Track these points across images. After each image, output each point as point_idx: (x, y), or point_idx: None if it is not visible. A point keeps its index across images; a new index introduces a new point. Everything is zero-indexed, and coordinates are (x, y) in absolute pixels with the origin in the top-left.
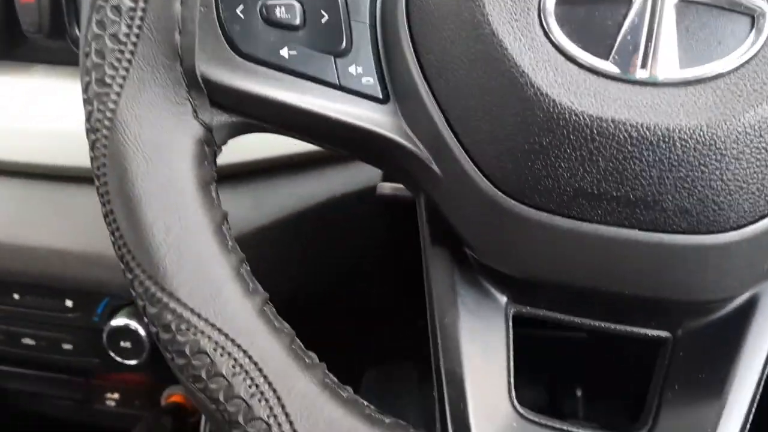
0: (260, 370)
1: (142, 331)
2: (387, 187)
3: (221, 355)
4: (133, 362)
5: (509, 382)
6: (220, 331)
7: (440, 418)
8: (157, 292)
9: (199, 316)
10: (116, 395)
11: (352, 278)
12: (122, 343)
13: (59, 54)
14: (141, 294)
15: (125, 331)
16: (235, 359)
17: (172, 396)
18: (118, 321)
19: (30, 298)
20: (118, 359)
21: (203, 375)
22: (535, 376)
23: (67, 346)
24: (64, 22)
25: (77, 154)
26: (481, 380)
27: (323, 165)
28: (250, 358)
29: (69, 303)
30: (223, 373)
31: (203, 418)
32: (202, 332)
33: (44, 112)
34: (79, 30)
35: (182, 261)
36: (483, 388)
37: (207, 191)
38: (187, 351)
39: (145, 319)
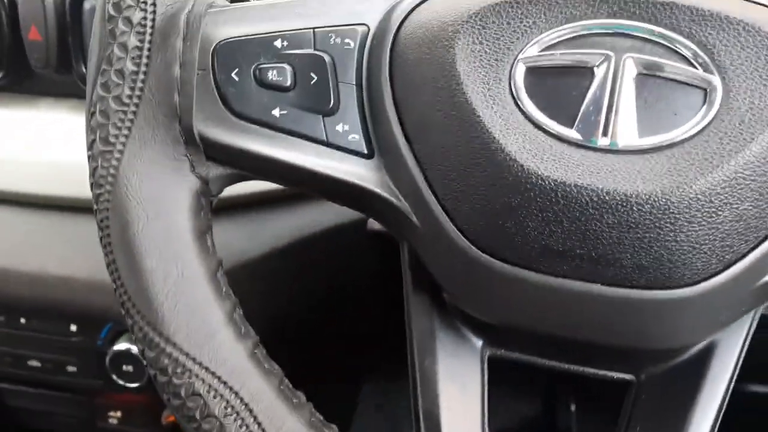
0: (250, 410)
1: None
2: (376, 224)
3: (214, 397)
4: (134, 385)
5: (483, 422)
6: (213, 374)
7: None
8: (154, 338)
9: (194, 360)
10: (118, 413)
11: (344, 303)
12: (124, 367)
13: (65, 87)
14: (140, 339)
15: (127, 356)
16: (227, 401)
17: (172, 415)
18: (121, 345)
19: (36, 322)
20: (120, 382)
21: (197, 416)
22: (531, 392)
23: (71, 368)
24: (71, 57)
25: (82, 185)
26: (456, 420)
27: (316, 198)
28: (241, 399)
29: (73, 327)
30: (216, 414)
31: None
32: (197, 375)
33: (50, 144)
34: (85, 66)
35: (179, 308)
36: (458, 427)
37: (203, 240)
38: (182, 393)
39: (144, 362)
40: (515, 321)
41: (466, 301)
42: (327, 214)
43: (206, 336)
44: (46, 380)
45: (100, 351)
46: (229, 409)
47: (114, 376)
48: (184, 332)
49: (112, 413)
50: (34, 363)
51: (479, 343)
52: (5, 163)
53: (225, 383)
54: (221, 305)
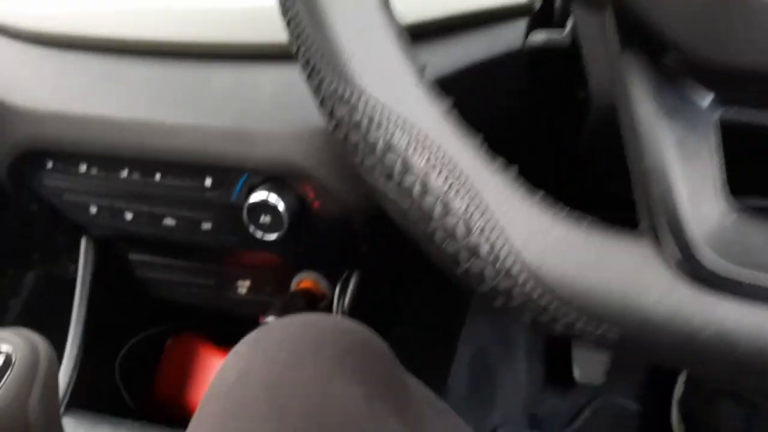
0: (454, 165)
1: (281, 206)
2: (538, 38)
3: (414, 150)
4: (272, 236)
5: (719, 178)
6: (412, 127)
7: (647, 216)
8: (347, 91)
9: (390, 112)
10: (247, 282)
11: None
12: (262, 218)
13: None
14: (328, 96)
15: (265, 206)
16: (428, 155)
17: (303, 282)
18: (258, 196)
19: (171, 179)
20: (258, 234)
21: (395, 172)
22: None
23: (206, 226)
24: None
25: (216, 31)
26: (688, 176)
27: (468, 28)
28: (443, 154)
29: (208, 182)
30: (417, 168)
31: (334, 302)
32: (394, 129)
33: None
34: None
35: (371, 59)
36: (691, 184)
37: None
38: (378, 148)
39: (332, 123)
40: (758, 62)
41: (699, 46)
42: (480, 45)
43: (402, 90)
44: (181, 240)
45: (236, 205)
46: (431, 164)
47: (252, 228)
48: (378, 84)
49: (240, 282)
50: (169, 222)
51: (707, 100)
52: (134, 12)
53: (425, 137)
54: (412, 62)
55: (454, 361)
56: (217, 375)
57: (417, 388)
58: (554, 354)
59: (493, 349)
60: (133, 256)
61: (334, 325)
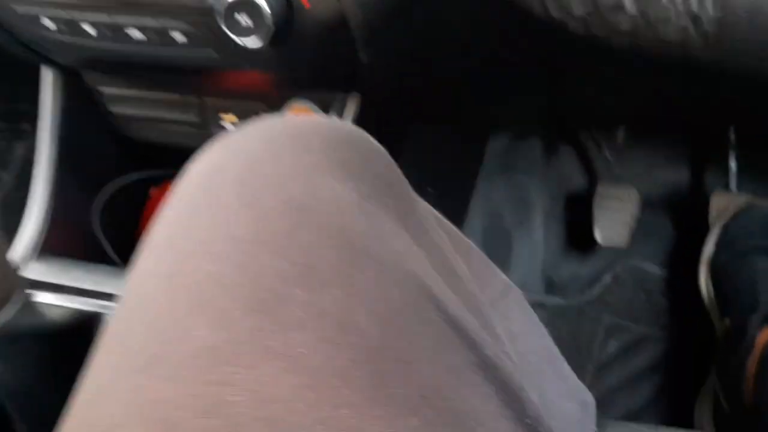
0: None
1: (265, 6)
2: None
3: None
4: (255, 42)
5: None
6: None
7: None
8: None
9: None
10: (231, 116)
11: None
12: (243, 21)
13: None
14: None
15: (244, 4)
16: None
17: (294, 111)
18: None
19: None
20: (239, 41)
21: None
22: (678, 158)
23: (179, 38)
24: None
25: None
26: None
27: None
28: None
29: None
30: None
31: None
32: None
33: None
34: None
35: None
36: None
37: None
38: None
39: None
40: None
41: None
42: None
43: None
44: (152, 59)
45: (212, 11)
46: None
47: (230, 33)
48: None
49: (223, 114)
50: (137, 34)
51: None
52: None
53: None
54: None
55: (465, 225)
56: (181, 178)
57: (423, 204)
58: (573, 218)
59: (508, 213)
60: (105, 89)
61: (323, 120)
